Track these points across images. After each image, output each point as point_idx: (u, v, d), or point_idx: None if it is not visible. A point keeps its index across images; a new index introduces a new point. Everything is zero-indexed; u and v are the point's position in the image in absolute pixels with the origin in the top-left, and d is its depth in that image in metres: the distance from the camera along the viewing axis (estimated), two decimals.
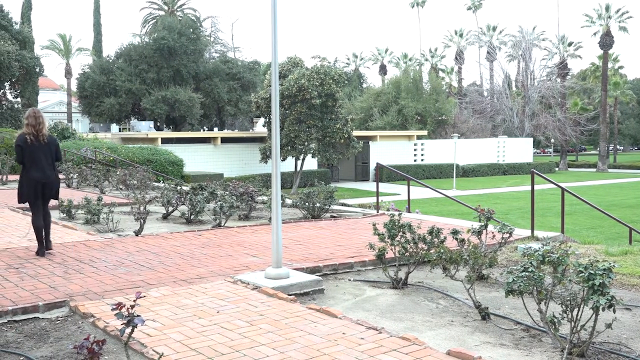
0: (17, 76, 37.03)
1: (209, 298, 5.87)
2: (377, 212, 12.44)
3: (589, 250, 8.41)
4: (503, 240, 7.19)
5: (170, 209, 11.86)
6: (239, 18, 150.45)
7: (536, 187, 10.22)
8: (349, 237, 9.25)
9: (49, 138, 8.00)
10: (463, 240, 6.40)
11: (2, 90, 38.06)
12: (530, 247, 5.09)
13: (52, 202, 8.53)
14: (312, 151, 34.30)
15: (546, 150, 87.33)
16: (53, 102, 72.86)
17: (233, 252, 8.12)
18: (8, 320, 5.35)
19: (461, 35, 74.51)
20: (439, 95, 55.24)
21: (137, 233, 9.60)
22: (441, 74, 75.38)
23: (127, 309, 3.66)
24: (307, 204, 11.93)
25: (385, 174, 39.54)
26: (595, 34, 62.75)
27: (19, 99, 39.60)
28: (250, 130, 58.02)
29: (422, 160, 47.32)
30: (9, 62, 34.79)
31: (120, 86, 44.29)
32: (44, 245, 7.88)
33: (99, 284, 6.42)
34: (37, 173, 7.83)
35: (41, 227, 7.86)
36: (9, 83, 38.33)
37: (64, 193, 15.94)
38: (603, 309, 4.33)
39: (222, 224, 10.60)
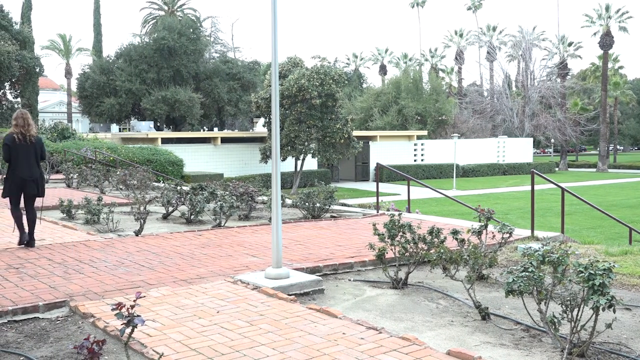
0: (17, 76, 37.03)
1: (209, 298, 5.87)
2: (377, 212, 12.44)
3: (589, 250, 8.41)
4: (503, 240, 7.19)
5: (170, 209, 11.86)
6: (239, 18, 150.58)
7: (536, 187, 10.22)
8: (349, 237, 9.25)
9: (35, 138, 8.54)
10: (463, 240, 6.40)
11: (2, 90, 38.07)
12: (530, 247, 5.09)
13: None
14: (312, 151, 34.29)
15: (546, 150, 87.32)
16: (53, 102, 72.84)
17: (233, 252, 8.12)
18: (8, 320, 5.35)
19: (461, 35, 74.50)
20: (439, 95, 55.22)
21: (137, 233, 9.61)
22: (441, 74, 75.39)
23: (127, 309, 3.66)
24: (307, 204, 11.93)
25: (385, 174, 39.53)
26: (595, 34, 62.75)
27: (19, 99, 39.60)
28: (250, 130, 58.01)
29: (422, 160, 47.30)
30: (9, 62, 34.79)
31: (120, 86, 44.29)
32: (25, 233, 8.43)
33: (99, 284, 6.43)
34: (23, 171, 8.39)
35: (20, 216, 8.50)
36: (9, 83, 38.33)
37: (64, 193, 15.96)
38: (603, 309, 4.33)
39: (222, 224, 10.60)
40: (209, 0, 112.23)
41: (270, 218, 10.38)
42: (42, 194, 8.71)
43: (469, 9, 74.44)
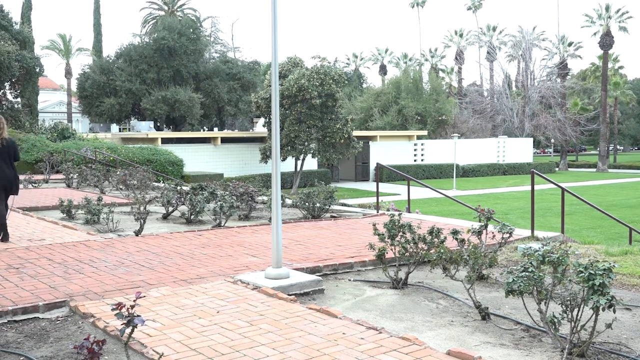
0: (17, 76, 36.99)
1: (209, 298, 5.87)
2: (377, 212, 12.44)
3: (589, 250, 8.41)
4: (503, 240, 7.19)
5: (170, 209, 11.86)
6: (239, 18, 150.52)
7: (536, 187, 10.22)
8: (349, 237, 9.25)
9: (8, 141, 8.93)
10: (463, 240, 6.40)
11: (2, 91, 38.03)
12: (530, 247, 5.09)
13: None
14: (312, 151, 34.29)
15: (546, 150, 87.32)
16: (53, 102, 72.84)
17: (233, 252, 8.12)
18: (8, 320, 5.35)
19: (461, 35, 74.51)
20: (439, 95, 55.22)
21: (137, 233, 9.61)
22: (441, 74, 75.39)
23: (127, 309, 3.66)
24: (307, 204, 11.94)
25: (385, 174, 39.54)
26: (595, 34, 62.75)
27: (19, 99, 39.58)
28: (250, 130, 58.01)
29: (422, 160, 47.30)
30: (9, 62, 34.76)
31: (120, 86, 44.29)
32: (7, 232, 8.93)
33: (99, 284, 6.43)
34: None
35: (3, 215, 8.91)
36: (9, 83, 38.29)
37: (64, 193, 15.96)
38: (603, 309, 4.33)
39: (222, 224, 10.60)
40: (209, 0, 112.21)
41: (270, 218, 10.38)
42: (16, 192, 9.15)
43: (469, 9, 74.45)
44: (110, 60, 48.04)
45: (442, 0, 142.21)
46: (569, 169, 64.54)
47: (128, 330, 3.71)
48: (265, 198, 12.75)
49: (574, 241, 9.66)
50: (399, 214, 6.90)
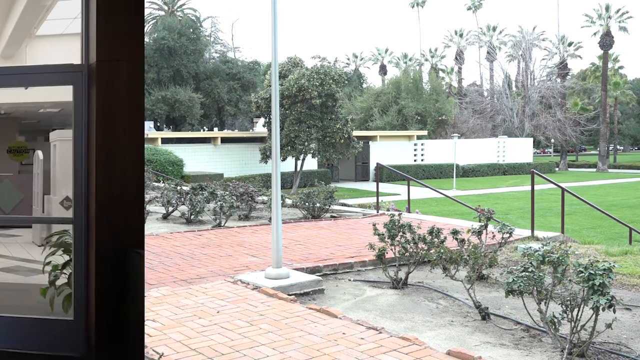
0: None
1: (209, 298, 5.87)
2: (377, 212, 12.44)
3: (589, 250, 8.41)
4: (503, 240, 7.19)
5: (170, 209, 11.86)
6: (239, 18, 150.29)
7: (536, 187, 10.23)
8: (349, 237, 9.25)
9: None
10: (463, 240, 6.41)
11: None
12: (530, 247, 5.09)
13: None
14: (312, 151, 34.29)
15: (546, 150, 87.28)
16: None
17: (233, 252, 8.13)
18: None
19: (461, 35, 74.49)
20: (439, 95, 55.22)
21: None
22: (441, 74, 75.33)
23: None
24: (307, 204, 11.94)
25: (385, 174, 39.53)
26: (595, 34, 62.75)
27: None
28: (250, 130, 57.98)
29: (422, 160, 47.29)
30: None
31: None
32: None
33: None
34: None
35: None
36: None
37: None
38: (603, 309, 4.34)
39: (222, 224, 10.60)
40: (209, 0, 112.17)
41: (270, 218, 10.38)
42: None
43: (469, 9, 74.43)
44: None
45: (442, 0, 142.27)
46: (569, 169, 64.51)
47: None
48: (265, 198, 12.76)
49: (574, 241, 9.66)
50: (399, 214, 6.90)
